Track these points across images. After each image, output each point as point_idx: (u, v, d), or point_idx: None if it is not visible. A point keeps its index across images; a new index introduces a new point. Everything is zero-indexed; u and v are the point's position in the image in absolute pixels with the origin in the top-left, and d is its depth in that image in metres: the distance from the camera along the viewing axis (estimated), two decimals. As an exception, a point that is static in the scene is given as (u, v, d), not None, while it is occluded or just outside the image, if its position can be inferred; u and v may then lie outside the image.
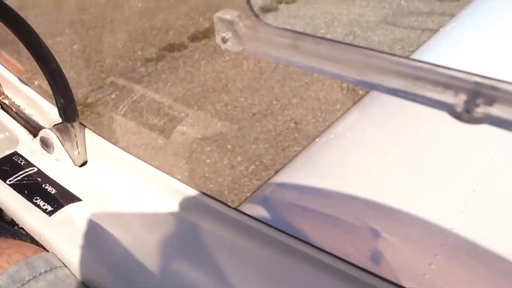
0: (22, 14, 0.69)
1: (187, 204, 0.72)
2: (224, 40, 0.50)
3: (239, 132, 4.20)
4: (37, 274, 0.64)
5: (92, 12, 6.73)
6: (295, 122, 4.32)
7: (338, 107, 4.44)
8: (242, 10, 0.49)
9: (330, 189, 1.13)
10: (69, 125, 0.78)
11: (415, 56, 1.98)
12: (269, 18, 6.22)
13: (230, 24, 0.49)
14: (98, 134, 0.83)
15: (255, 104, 4.58)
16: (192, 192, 0.72)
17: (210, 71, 5.08)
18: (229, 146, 4.00)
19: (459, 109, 0.36)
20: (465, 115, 0.35)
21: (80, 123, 0.81)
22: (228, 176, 3.63)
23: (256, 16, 0.49)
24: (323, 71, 0.47)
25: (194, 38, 5.81)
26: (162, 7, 6.80)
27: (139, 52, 5.65)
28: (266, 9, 6.34)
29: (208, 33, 5.90)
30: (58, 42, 5.56)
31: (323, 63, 0.46)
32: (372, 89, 0.43)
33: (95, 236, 0.70)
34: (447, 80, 0.36)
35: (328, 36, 5.29)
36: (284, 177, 1.40)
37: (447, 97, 0.36)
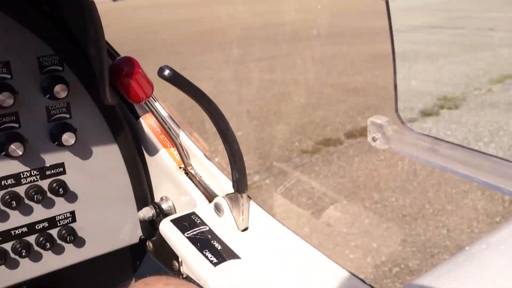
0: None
1: (333, 283, 0.82)
2: (374, 139, 0.63)
3: (386, 232, 4.15)
4: None
5: (258, 104, 7.36)
6: (448, 230, 4.14)
7: (497, 219, 4.19)
8: (391, 116, 0.62)
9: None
10: (239, 195, 0.96)
11: None
12: (429, 122, 6.19)
13: (380, 127, 0.61)
14: (260, 206, 1.00)
15: (406, 205, 4.51)
16: (341, 272, 0.82)
17: (363, 168, 5.17)
18: (374, 245, 3.97)
19: None
20: None
21: (247, 195, 0.99)
22: (370, 275, 3.58)
23: (402, 122, 0.61)
24: (456, 173, 0.57)
25: (350, 135, 6.01)
26: (323, 104, 7.18)
27: (296, 144, 5.98)
28: (426, 113, 6.35)
29: (365, 132, 6.02)
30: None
31: (457, 166, 0.56)
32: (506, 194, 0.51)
33: (248, 289, 0.84)
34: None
35: (492, 145, 5.09)
36: (426, 281, 1.40)
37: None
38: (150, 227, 1.20)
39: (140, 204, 1.18)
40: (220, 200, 0.99)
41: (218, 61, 10.10)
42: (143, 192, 1.18)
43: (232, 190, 1.00)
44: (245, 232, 0.99)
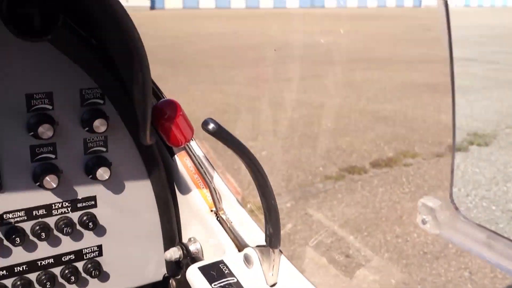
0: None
1: None
2: (423, 222, 0.60)
3: (406, 269, 4.06)
4: None
5: (284, 124, 7.35)
6: (470, 272, 4.03)
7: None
8: (443, 200, 0.59)
9: None
10: (271, 250, 0.93)
11: None
12: (457, 158, 6.07)
13: (431, 210, 0.58)
14: (291, 261, 0.96)
15: (428, 243, 4.41)
16: None
17: (386, 200, 5.08)
18: (392, 281, 3.89)
19: None
20: None
21: (279, 250, 0.96)
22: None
23: (456, 208, 0.58)
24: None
25: (376, 164, 5.93)
26: (350, 130, 7.13)
27: (321, 169, 5.93)
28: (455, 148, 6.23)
29: (391, 162, 5.97)
30: (249, 146, 6.15)
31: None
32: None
33: None
34: None
35: (522, 184, 4.96)
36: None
37: None
38: (175, 266, 1.18)
39: (167, 243, 1.16)
40: (250, 251, 0.97)
41: (248, 78, 10.14)
42: (171, 231, 1.16)
43: (263, 242, 0.98)
44: (274, 287, 0.96)
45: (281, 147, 6.38)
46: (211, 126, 0.77)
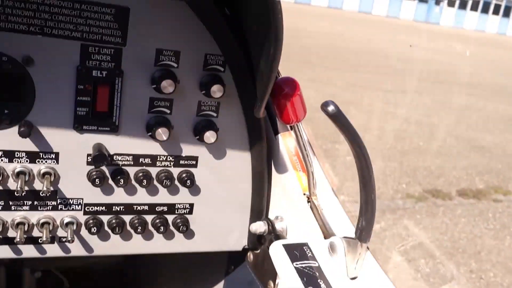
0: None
1: None
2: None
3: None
4: None
5: (375, 135, 7.18)
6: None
7: None
8: None
9: None
10: (359, 243, 0.93)
11: None
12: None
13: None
14: (376, 259, 0.96)
15: (504, 285, 4.17)
16: None
17: (467, 232, 4.85)
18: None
19: None
20: None
21: (367, 246, 0.95)
22: None
23: None
24: None
25: (463, 193, 5.67)
26: (442, 153, 6.84)
27: (404, 185, 5.76)
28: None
29: (479, 195, 5.67)
30: (335, 148, 6.09)
31: None
32: None
33: None
34: None
35: None
36: None
37: None
38: (257, 240, 1.21)
39: (254, 216, 1.19)
40: (337, 240, 0.97)
41: (346, 81, 10.02)
42: (260, 205, 1.18)
43: (351, 234, 0.97)
44: (353, 280, 0.96)
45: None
46: (330, 108, 0.78)
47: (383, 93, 9.42)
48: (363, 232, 0.91)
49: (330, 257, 0.98)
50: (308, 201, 1.10)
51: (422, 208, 5.39)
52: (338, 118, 0.78)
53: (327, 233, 1.04)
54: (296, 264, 0.95)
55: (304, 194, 1.11)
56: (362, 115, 7.78)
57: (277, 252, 1.00)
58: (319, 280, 0.93)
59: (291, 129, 1.15)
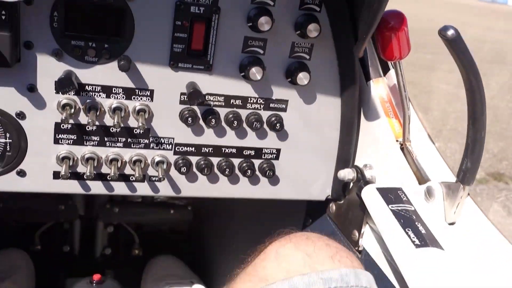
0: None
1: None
2: None
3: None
4: (359, 285, 0.74)
5: (435, 116, 6.96)
6: None
7: None
8: None
9: None
10: (461, 186, 0.89)
11: None
12: None
13: None
14: (478, 205, 0.92)
15: None
16: None
17: (531, 218, 4.66)
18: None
19: None
20: None
21: (468, 191, 0.92)
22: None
23: None
24: None
25: (527, 177, 5.45)
26: (507, 136, 6.57)
27: (464, 167, 5.58)
28: None
29: (545, 181, 5.44)
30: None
31: None
32: None
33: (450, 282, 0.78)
34: None
35: None
36: None
37: None
38: (341, 190, 1.19)
39: (340, 164, 1.17)
40: (435, 185, 0.94)
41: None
42: (348, 153, 1.16)
43: (449, 180, 0.94)
44: (452, 226, 0.93)
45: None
46: (450, 32, 0.73)
47: (444, 72, 9.10)
48: (467, 174, 0.87)
49: (426, 202, 0.95)
50: (402, 148, 1.07)
51: (483, 191, 5.21)
52: (457, 44, 0.74)
53: (422, 179, 1.01)
54: (392, 207, 0.93)
55: (397, 141, 1.08)
56: (422, 95, 7.56)
57: (371, 195, 0.98)
58: (416, 223, 0.90)
59: (384, 74, 1.12)
